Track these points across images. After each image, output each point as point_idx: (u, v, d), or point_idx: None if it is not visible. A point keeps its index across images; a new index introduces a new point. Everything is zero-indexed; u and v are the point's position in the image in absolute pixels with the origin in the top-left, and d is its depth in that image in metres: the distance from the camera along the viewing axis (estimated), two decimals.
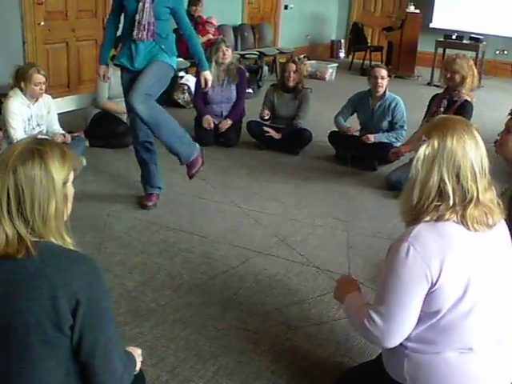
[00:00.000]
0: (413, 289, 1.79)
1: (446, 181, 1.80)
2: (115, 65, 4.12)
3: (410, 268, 1.78)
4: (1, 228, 1.55)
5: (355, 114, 5.63)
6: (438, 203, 1.82)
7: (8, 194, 1.54)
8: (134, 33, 3.83)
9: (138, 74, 3.89)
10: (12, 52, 6.11)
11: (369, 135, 5.30)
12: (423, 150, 1.83)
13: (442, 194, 1.82)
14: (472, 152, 1.82)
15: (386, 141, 5.27)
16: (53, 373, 1.57)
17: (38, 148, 1.59)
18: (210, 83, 4.23)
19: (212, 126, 5.86)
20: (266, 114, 5.84)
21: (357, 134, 5.50)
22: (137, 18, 3.81)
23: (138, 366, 1.93)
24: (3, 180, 1.54)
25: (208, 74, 4.20)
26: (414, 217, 1.88)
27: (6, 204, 1.54)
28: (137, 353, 1.96)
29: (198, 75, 4.36)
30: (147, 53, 3.92)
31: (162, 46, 3.93)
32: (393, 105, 5.32)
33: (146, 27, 3.83)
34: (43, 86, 4.58)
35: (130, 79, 3.95)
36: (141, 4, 3.81)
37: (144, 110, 3.76)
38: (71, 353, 1.58)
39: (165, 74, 3.98)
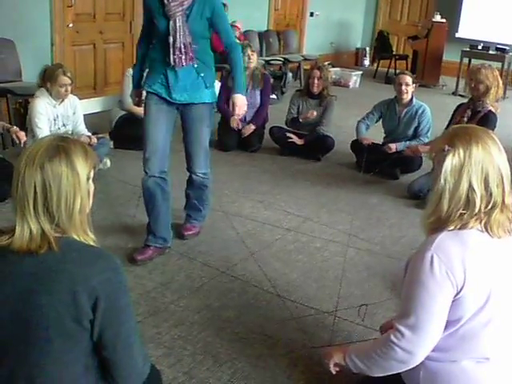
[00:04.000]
0: (440, 297, 1.78)
1: (475, 188, 1.80)
2: (148, 92, 3.50)
3: (435, 276, 1.78)
4: (25, 223, 1.58)
5: (379, 122, 5.62)
6: (464, 211, 1.83)
7: (35, 189, 1.57)
8: (171, 58, 3.29)
9: (178, 109, 3.48)
10: (40, 53, 6.21)
11: (390, 145, 5.28)
12: (450, 161, 1.82)
13: (468, 202, 1.82)
14: (497, 156, 1.83)
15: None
16: (72, 366, 1.60)
17: (62, 145, 1.62)
18: (238, 110, 3.48)
19: (240, 126, 5.88)
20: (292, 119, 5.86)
21: (369, 142, 5.46)
22: (170, 40, 3.26)
23: None
24: (30, 176, 1.57)
25: (238, 98, 3.46)
26: (437, 226, 1.88)
27: (32, 200, 1.57)
28: None
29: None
30: (188, 84, 3.40)
31: (202, 75, 3.40)
32: (420, 111, 5.31)
33: (183, 50, 3.29)
34: (68, 88, 4.64)
35: (166, 111, 3.47)
36: (171, 22, 3.25)
37: (207, 176, 3.70)
38: (90, 347, 1.61)
39: (210, 123, 3.61)
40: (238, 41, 7.69)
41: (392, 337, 1.87)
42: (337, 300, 3.24)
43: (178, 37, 3.26)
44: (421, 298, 1.81)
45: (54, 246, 1.57)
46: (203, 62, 3.41)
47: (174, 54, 3.29)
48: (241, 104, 3.47)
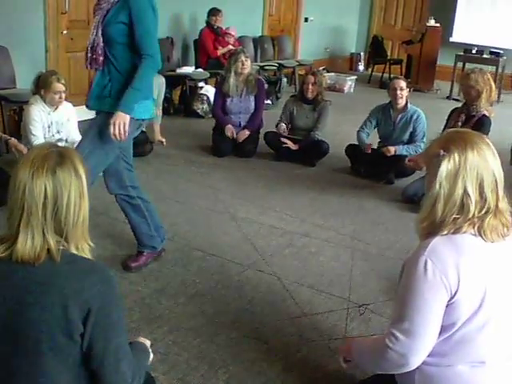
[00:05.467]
0: (434, 301, 1.79)
1: (470, 193, 1.81)
2: None
3: (429, 281, 1.78)
4: (29, 231, 1.54)
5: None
6: (458, 216, 1.83)
7: (45, 196, 1.52)
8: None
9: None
10: (34, 60, 6.21)
11: (389, 147, 5.30)
12: (445, 166, 1.82)
13: (463, 207, 1.82)
14: (492, 161, 1.84)
15: (405, 153, 5.26)
16: (63, 378, 1.59)
17: (64, 151, 1.60)
18: (112, 129, 2.91)
19: (235, 135, 5.89)
20: (283, 130, 5.81)
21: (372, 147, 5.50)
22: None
23: (151, 356, 1.99)
24: (41, 182, 1.52)
25: (117, 117, 2.91)
26: (430, 230, 1.88)
27: (42, 206, 1.53)
28: (147, 344, 2.01)
29: None
30: (97, 90, 3.08)
31: (115, 87, 3.02)
32: (414, 117, 5.33)
33: (90, 51, 3.01)
34: (63, 95, 4.64)
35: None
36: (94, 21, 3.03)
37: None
38: (81, 359, 1.60)
39: (109, 140, 2.98)
40: (232, 47, 7.84)
41: (387, 341, 1.87)
42: (332, 305, 3.23)
43: (90, 36, 3.03)
44: (415, 302, 1.81)
45: (55, 255, 1.54)
46: (120, 71, 3.03)
47: (86, 54, 3.07)
48: (118, 123, 2.92)
